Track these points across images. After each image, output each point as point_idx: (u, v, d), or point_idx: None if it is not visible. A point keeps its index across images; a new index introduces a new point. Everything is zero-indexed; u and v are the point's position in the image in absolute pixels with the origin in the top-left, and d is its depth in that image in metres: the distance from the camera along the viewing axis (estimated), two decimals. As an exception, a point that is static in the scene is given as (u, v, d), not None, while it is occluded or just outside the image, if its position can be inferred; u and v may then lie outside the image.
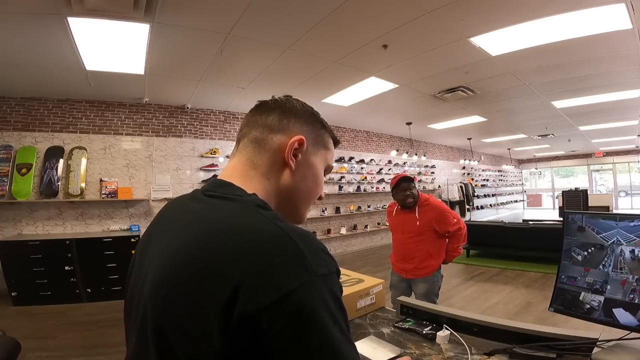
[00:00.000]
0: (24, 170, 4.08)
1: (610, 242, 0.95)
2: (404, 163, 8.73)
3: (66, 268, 3.82)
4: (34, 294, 3.67)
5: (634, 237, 0.91)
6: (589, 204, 9.28)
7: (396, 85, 4.43)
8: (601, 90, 4.75)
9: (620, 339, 0.90)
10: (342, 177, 7.03)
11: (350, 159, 7.26)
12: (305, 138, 0.56)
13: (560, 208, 10.55)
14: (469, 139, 9.09)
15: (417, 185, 2.34)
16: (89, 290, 3.90)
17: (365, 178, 7.48)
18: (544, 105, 5.60)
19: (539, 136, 8.98)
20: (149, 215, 4.83)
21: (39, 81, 3.80)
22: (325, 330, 0.38)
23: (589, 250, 1.00)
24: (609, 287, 0.94)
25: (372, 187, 7.65)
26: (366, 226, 7.47)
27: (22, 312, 3.47)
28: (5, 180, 3.99)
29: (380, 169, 7.90)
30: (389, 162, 8.20)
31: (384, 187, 7.73)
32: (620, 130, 8.25)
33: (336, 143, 0.66)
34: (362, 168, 7.55)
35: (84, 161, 4.45)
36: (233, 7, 2.50)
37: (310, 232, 0.46)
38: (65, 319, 3.31)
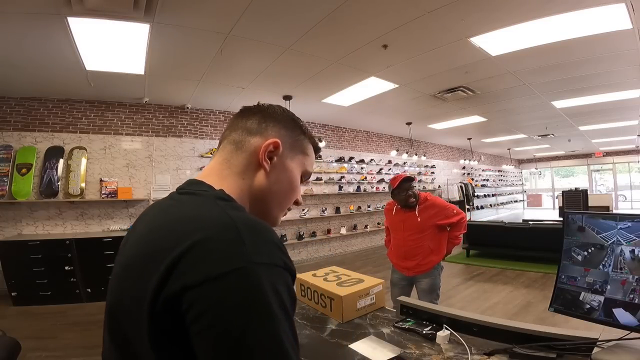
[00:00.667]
0: (24, 170, 4.09)
1: (610, 242, 0.95)
2: (404, 163, 8.73)
3: (66, 268, 3.82)
4: (34, 294, 3.67)
5: (634, 237, 0.91)
6: (589, 204, 9.29)
7: (396, 85, 4.43)
8: (601, 90, 4.75)
9: (620, 339, 0.90)
10: (342, 177, 7.03)
11: (350, 159, 7.26)
12: (281, 142, 0.58)
13: (560, 208, 10.55)
14: (469, 139, 9.09)
15: (415, 185, 2.36)
16: (89, 290, 3.90)
17: (365, 178, 7.48)
18: (544, 105, 5.60)
19: (539, 136, 8.98)
20: (149, 215, 4.82)
21: (39, 81, 3.80)
22: (251, 321, 0.37)
23: (589, 250, 1.00)
24: (609, 287, 0.94)
25: (372, 187, 7.65)
26: (366, 226, 7.47)
27: (22, 312, 3.47)
28: (5, 180, 3.99)
29: (380, 169, 7.90)
30: (389, 162, 8.20)
31: (384, 187, 7.73)
32: (620, 130, 8.25)
33: (317, 150, 0.67)
34: (362, 168, 7.55)
35: (84, 161, 4.45)
36: (233, 7, 2.50)
37: (268, 226, 0.46)
38: (65, 319, 3.31)
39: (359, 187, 7.34)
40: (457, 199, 9.87)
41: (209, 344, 0.37)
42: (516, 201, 14.77)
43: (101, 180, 4.55)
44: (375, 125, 7.43)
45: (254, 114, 0.60)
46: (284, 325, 0.39)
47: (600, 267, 0.96)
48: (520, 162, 15.77)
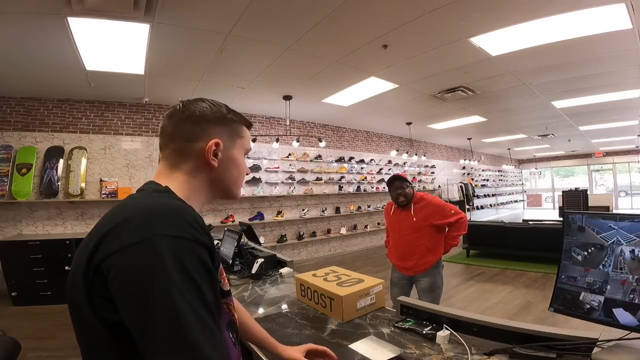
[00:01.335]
0: (24, 170, 4.08)
1: (610, 242, 0.95)
2: (404, 163, 8.73)
3: (66, 268, 3.81)
4: (34, 294, 3.67)
5: (634, 237, 0.91)
6: (589, 204, 9.28)
7: (396, 85, 4.43)
8: (601, 90, 4.75)
9: (620, 339, 0.90)
10: (342, 177, 7.03)
11: (350, 159, 7.26)
12: (220, 139, 0.66)
13: (560, 208, 10.55)
14: (469, 139, 9.09)
15: (415, 185, 2.36)
16: (89, 290, 3.89)
17: (365, 178, 7.48)
18: (544, 105, 5.60)
19: (539, 136, 8.98)
20: (149, 215, 4.82)
21: (39, 81, 3.80)
22: (152, 283, 0.44)
23: (589, 250, 1.00)
24: (609, 287, 0.94)
25: (372, 187, 7.65)
26: (366, 226, 7.47)
27: (22, 312, 3.47)
28: (5, 180, 3.99)
29: (380, 169, 7.90)
30: (389, 162, 8.20)
31: (384, 187, 7.72)
32: (620, 130, 8.25)
33: (249, 126, 0.75)
34: (362, 168, 7.55)
35: (84, 161, 4.45)
36: (233, 7, 2.50)
37: (186, 209, 0.54)
38: (65, 319, 3.29)
39: (359, 187, 7.34)
40: (457, 199, 9.87)
41: (124, 302, 0.46)
42: (516, 201, 14.77)
43: (101, 180, 4.55)
44: (375, 125, 7.43)
45: (184, 121, 0.65)
46: (184, 289, 0.45)
47: (600, 267, 0.96)
48: (520, 162, 15.77)
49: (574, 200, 9.23)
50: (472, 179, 11.46)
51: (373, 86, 4.42)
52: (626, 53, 3.43)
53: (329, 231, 6.80)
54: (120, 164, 4.75)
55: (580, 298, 0.99)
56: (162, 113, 5.05)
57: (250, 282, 1.94)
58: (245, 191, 5.63)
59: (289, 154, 6.21)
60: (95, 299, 0.48)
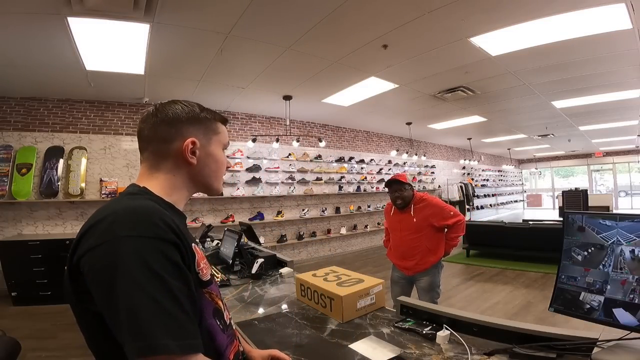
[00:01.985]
0: (24, 170, 4.08)
1: (610, 242, 0.95)
2: (404, 163, 8.73)
3: (66, 268, 3.81)
4: (34, 294, 3.67)
5: (634, 237, 0.91)
6: (589, 204, 9.28)
7: (396, 85, 4.43)
8: (601, 90, 4.75)
9: (620, 339, 0.90)
10: (342, 177, 7.03)
11: (350, 159, 7.26)
12: (195, 137, 0.70)
13: (560, 208, 10.55)
14: (469, 139, 9.09)
15: (415, 185, 2.36)
16: (89, 290, 3.90)
17: (365, 178, 7.48)
18: (544, 105, 5.60)
19: (539, 136, 8.98)
20: (149, 215, 4.82)
21: (39, 81, 3.80)
22: (114, 281, 0.48)
23: (589, 250, 1.00)
24: (609, 287, 0.94)
25: (372, 187, 7.65)
26: (366, 226, 7.47)
27: (22, 312, 3.47)
28: (5, 180, 3.99)
29: (380, 169, 7.90)
30: (389, 162, 8.20)
31: (384, 187, 7.70)
32: (620, 130, 8.25)
33: (224, 121, 0.78)
34: (362, 168, 7.55)
35: (84, 161, 4.45)
36: (233, 7, 2.50)
37: (150, 209, 0.57)
38: (65, 319, 3.30)
39: (359, 187, 7.34)
40: (457, 199, 9.87)
41: (97, 297, 0.52)
42: (516, 201, 14.77)
43: (101, 180, 4.55)
44: (375, 125, 7.43)
45: (159, 125, 0.69)
46: (145, 283, 0.49)
47: (600, 267, 0.96)
48: (520, 162, 15.77)
49: (574, 200, 9.23)
50: (472, 179, 11.46)
51: (373, 86, 4.42)
52: (626, 53, 3.43)
53: (329, 231, 6.80)
54: (120, 164, 4.75)
55: (580, 298, 0.99)
56: (162, 113, 5.07)
57: (250, 282, 1.94)
58: (245, 191, 5.63)
59: (289, 154, 6.21)
60: (81, 294, 0.54)
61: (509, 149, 11.88)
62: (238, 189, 5.54)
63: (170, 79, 4.00)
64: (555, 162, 14.78)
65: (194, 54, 3.32)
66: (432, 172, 9.74)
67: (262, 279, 1.99)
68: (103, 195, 4.49)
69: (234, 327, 0.78)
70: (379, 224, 7.81)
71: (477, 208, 11.35)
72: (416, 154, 8.49)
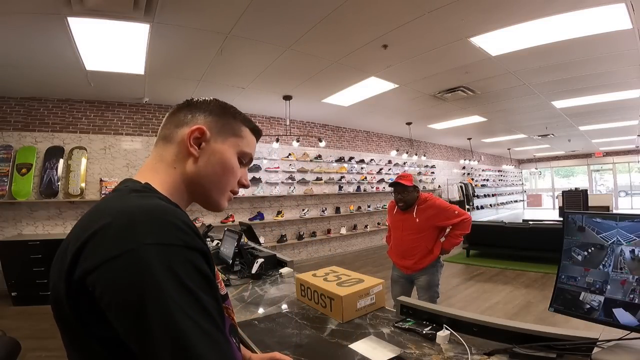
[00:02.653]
0: (24, 170, 4.08)
1: (610, 242, 0.95)
2: (404, 163, 8.73)
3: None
4: (34, 294, 3.67)
5: (634, 237, 0.91)
6: (589, 204, 9.28)
7: (396, 85, 4.43)
8: (601, 90, 4.75)
9: (620, 339, 0.90)
10: (342, 177, 7.03)
11: (350, 159, 7.26)
12: (207, 127, 0.60)
13: (560, 208, 10.55)
14: (469, 139, 9.09)
15: (418, 187, 2.34)
16: (89, 290, 3.90)
17: (365, 178, 7.48)
18: (544, 105, 5.60)
19: (539, 136, 8.98)
20: (149, 215, 4.83)
21: (39, 81, 3.80)
22: (144, 299, 0.39)
23: (589, 250, 1.00)
24: (609, 287, 0.94)
25: (372, 187, 7.65)
26: (366, 226, 7.47)
27: (22, 312, 3.47)
28: (5, 180, 3.99)
29: (380, 169, 7.90)
30: (389, 162, 8.20)
31: (384, 187, 7.73)
32: (620, 130, 8.25)
33: (256, 132, 0.68)
34: (362, 168, 7.55)
35: (84, 161, 4.45)
36: (233, 7, 2.50)
37: (170, 211, 0.47)
38: (65, 319, 3.31)
39: (359, 187, 7.34)
40: (457, 199, 9.87)
41: (118, 322, 0.41)
42: (516, 201, 14.77)
43: (101, 180, 4.55)
44: (375, 125, 7.43)
45: (181, 109, 0.62)
46: (182, 303, 0.40)
47: (600, 267, 0.96)
48: (520, 162, 15.77)
49: (574, 200, 9.23)
50: (472, 179, 11.46)
51: (373, 86, 4.42)
52: (626, 53, 3.43)
53: (329, 231, 6.80)
54: (120, 164, 4.74)
55: (580, 298, 0.99)
56: (162, 113, 5.08)
57: (250, 282, 1.94)
58: (245, 191, 5.63)
59: (289, 154, 6.21)
60: (85, 316, 0.43)
61: (509, 149, 11.88)
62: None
63: (171, 79, 4.00)
64: (555, 162, 14.78)
65: (194, 54, 3.32)
66: (432, 172, 9.74)
67: (262, 279, 1.99)
68: (103, 195, 4.48)
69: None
70: (379, 224, 7.81)
71: (477, 208, 11.35)
72: (416, 154, 8.49)
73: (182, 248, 0.44)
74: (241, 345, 0.92)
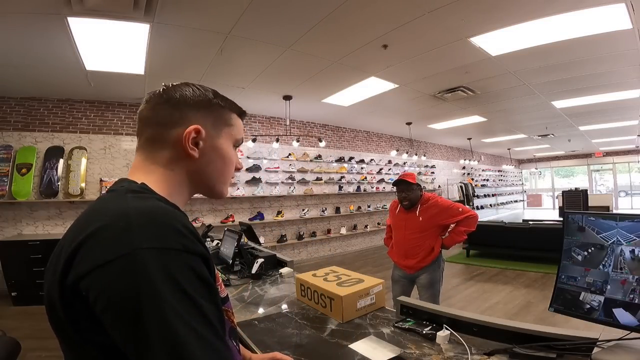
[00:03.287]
0: (24, 170, 4.08)
1: (610, 242, 0.95)
2: (404, 163, 8.73)
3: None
4: (34, 294, 3.66)
5: (634, 237, 0.91)
6: (589, 204, 9.28)
7: (396, 85, 4.43)
8: (601, 90, 4.75)
9: (620, 339, 0.90)
10: (342, 177, 7.03)
11: (350, 159, 7.26)
12: (202, 125, 0.57)
13: (560, 208, 10.55)
14: (469, 139, 9.09)
15: (422, 186, 2.34)
16: (89, 290, 3.90)
17: (365, 178, 7.48)
18: (544, 105, 5.60)
19: (539, 136, 8.98)
20: (149, 215, 4.83)
21: (39, 81, 3.80)
22: (140, 305, 0.37)
23: (589, 250, 1.00)
24: (609, 287, 0.94)
25: (372, 187, 7.65)
26: (366, 226, 7.47)
27: (22, 312, 3.47)
28: (5, 180, 3.99)
29: (380, 169, 7.90)
30: (389, 162, 8.20)
31: (384, 187, 7.73)
32: (620, 130, 8.25)
33: (242, 115, 0.67)
34: (362, 168, 7.55)
35: (84, 161, 4.45)
36: (233, 7, 2.50)
37: (170, 213, 0.47)
38: (65, 319, 3.31)
39: (359, 187, 7.34)
40: (457, 199, 9.88)
41: (114, 329, 0.39)
42: (516, 201, 14.77)
43: (101, 180, 4.55)
44: (375, 125, 7.43)
45: (162, 105, 0.57)
46: (180, 310, 0.39)
47: (600, 267, 0.96)
48: (520, 162, 15.77)
49: (574, 200, 9.23)
50: (472, 179, 11.46)
51: (373, 86, 4.42)
52: (626, 53, 3.43)
53: (329, 231, 6.80)
54: (120, 164, 4.74)
55: (580, 298, 0.99)
56: (162, 113, 5.08)
57: (250, 282, 1.94)
58: (245, 191, 5.63)
59: (289, 154, 6.21)
60: (79, 321, 0.42)
61: (509, 149, 11.88)
62: (238, 189, 5.54)
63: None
64: (555, 162, 14.78)
65: (194, 54, 3.32)
66: (432, 172, 9.75)
67: (262, 279, 1.99)
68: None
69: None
70: (379, 224, 7.81)
71: (477, 208, 11.35)
72: (416, 154, 8.49)
73: (181, 252, 0.42)
74: (241, 346, 0.92)
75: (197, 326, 0.39)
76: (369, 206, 7.58)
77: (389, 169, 8.08)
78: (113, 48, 3.07)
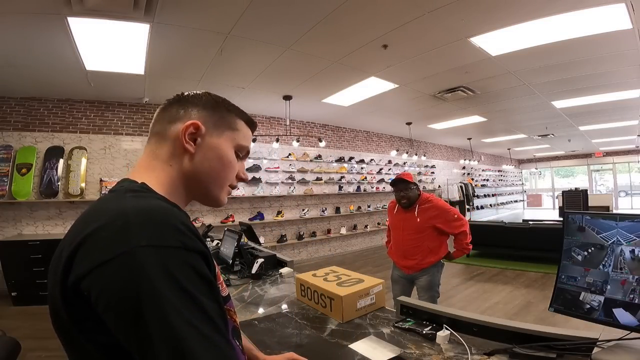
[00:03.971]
0: (24, 170, 4.08)
1: (610, 242, 0.95)
2: (404, 163, 8.73)
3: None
4: (34, 294, 3.67)
5: (634, 237, 0.91)
6: (589, 204, 9.28)
7: (396, 85, 4.43)
8: (601, 90, 4.75)
9: (620, 339, 0.90)
10: (342, 177, 7.03)
11: (350, 159, 7.26)
12: (202, 122, 0.58)
13: (560, 208, 10.55)
14: (469, 139, 9.10)
15: (418, 186, 2.35)
16: (89, 290, 3.90)
17: (365, 178, 7.49)
18: (544, 105, 5.60)
19: (539, 136, 8.98)
20: (149, 215, 4.83)
21: (39, 81, 3.80)
22: (139, 303, 0.38)
23: (589, 250, 1.00)
24: (609, 287, 0.94)
25: (372, 187, 7.65)
26: (366, 226, 7.47)
27: (22, 312, 3.47)
28: (5, 180, 3.99)
29: (380, 169, 7.90)
30: (389, 162, 8.20)
31: (384, 187, 7.73)
32: (620, 130, 8.25)
33: (251, 124, 0.67)
34: (362, 168, 7.55)
35: (84, 161, 4.45)
36: (233, 7, 2.50)
37: (168, 211, 0.47)
38: (65, 319, 3.31)
39: (359, 187, 7.34)
40: (457, 199, 9.87)
41: (117, 328, 0.40)
42: (516, 201, 14.77)
43: (101, 180, 4.55)
44: (375, 125, 7.43)
45: (172, 104, 0.60)
46: (181, 307, 0.39)
47: (600, 267, 0.96)
48: (520, 162, 15.77)
49: (574, 200, 9.23)
50: (472, 179, 11.46)
51: (373, 86, 4.42)
52: (626, 53, 3.43)
53: (329, 231, 6.80)
54: (120, 164, 4.74)
55: (580, 298, 0.99)
56: (162, 113, 5.08)
57: (250, 282, 1.94)
58: (245, 191, 5.63)
59: (289, 154, 6.21)
60: (82, 322, 0.42)
61: (509, 149, 11.88)
62: (238, 189, 5.54)
63: (170, 79, 4.00)
64: (555, 162, 14.78)
65: (194, 54, 3.32)
66: (432, 172, 9.75)
67: (262, 279, 1.99)
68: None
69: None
70: (379, 224, 7.81)
71: (477, 208, 11.35)
72: (416, 154, 8.50)
73: (180, 250, 0.42)
74: (253, 346, 0.91)
75: (198, 323, 0.39)
76: (369, 206, 7.58)
77: (389, 169, 8.08)
78: (113, 48, 3.07)
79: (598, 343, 0.92)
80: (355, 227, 7.23)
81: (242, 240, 2.32)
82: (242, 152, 0.65)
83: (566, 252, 1.04)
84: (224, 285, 0.62)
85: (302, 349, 1.12)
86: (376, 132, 8.09)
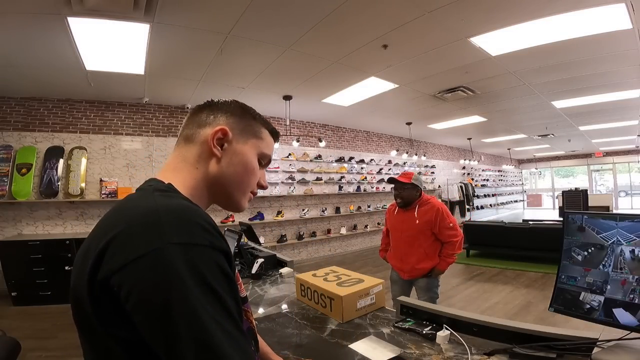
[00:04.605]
0: (24, 170, 4.08)
1: (610, 242, 0.95)
2: (404, 163, 8.73)
3: (66, 268, 3.82)
4: (34, 294, 3.67)
5: (634, 237, 0.91)
6: (589, 204, 9.28)
7: (396, 85, 4.43)
8: (601, 90, 4.75)
9: (620, 339, 0.90)
10: (342, 177, 7.03)
11: (350, 159, 7.26)
12: (230, 128, 0.61)
13: (560, 208, 10.55)
14: (469, 139, 9.09)
15: (419, 185, 2.32)
16: (89, 290, 3.90)
17: (365, 178, 7.48)
18: (544, 105, 5.60)
19: (539, 136, 8.98)
20: (149, 215, 4.83)
21: (39, 81, 3.80)
22: (169, 298, 0.39)
23: (589, 250, 0.99)
24: (609, 287, 0.94)
25: (372, 187, 7.65)
26: (366, 226, 7.47)
27: (22, 312, 3.47)
28: (5, 180, 3.99)
29: (380, 169, 7.90)
30: (389, 162, 8.20)
31: (384, 187, 7.73)
32: (620, 130, 8.25)
33: (274, 134, 0.70)
34: (362, 168, 7.55)
35: (84, 161, 4.45)
36: (233, 7, 2.50)
37: (195, 210, 0.48)
38: (65, 319, 3.30)
39: (359, 187, 7.34)
40: (457, 199, 9.87)
41: (142, 319, 0.41)
42: (516, 201, 14.77)
43: (101, 180, 4.55)
44: (375, 125, 7.43)
45: (202, 109, 0.63)
46: (206, 303, 0.40)
47: (600, 267, 0.96)
48: (520, 162, 15.77)
49: (574, 200, 9.23)
50: (472, 179, 11.46)
51: (373, 86, 4.42)
52: (626, 53, 3.43)
53: (329, 231, 6.80)
54: (120, 164, 4.74)
55: (580, 298, 0.99)
56: (162, 113, 5.09)
57: (250, 282, 1.94)
58: (245, 191, 5.62)
59: (289, 154, 6.21)
60: (106, 316, 0.43)
61: (509, 149, 11.88)
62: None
63: (170, 79, 4.00)
64: (555, 162, 14.78)
65: (194, 54, 3.32)
66: (432, 172, 9.74)
67: (262, 279, 1.99)
68: (103, 195, 4.49)
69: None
70: (379, 224, 7.81)
71: (477, 208, 11.35)
72: (416, 154, 8.50)
73: (208, 248, 0.44)
74: (270, 350, 0.93)
75: (221, 319, 0.41)
76: (369, 206, 7.58)
77: (389, 169, 8.08)
78: (113, 48, 3.07)
79: (598, 343, 0.92)
80: (355, 227, 7.23)
81: (242, 240, 2.32)
82: (264, 160, 0.67)
83: (566, 252, 1.04)
84: (242, 287, 0.63)
85: (302, 349, 1.12)
86: (376, 132, 8.09)
